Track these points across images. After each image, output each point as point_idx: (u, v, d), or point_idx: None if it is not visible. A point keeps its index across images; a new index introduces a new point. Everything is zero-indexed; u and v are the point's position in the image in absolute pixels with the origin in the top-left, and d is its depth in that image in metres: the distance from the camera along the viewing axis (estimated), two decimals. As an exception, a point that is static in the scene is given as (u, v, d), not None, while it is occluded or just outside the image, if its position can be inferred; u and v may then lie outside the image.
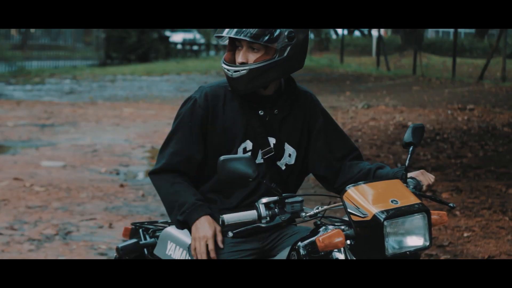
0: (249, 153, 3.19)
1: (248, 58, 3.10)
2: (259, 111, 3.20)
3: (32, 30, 29.46)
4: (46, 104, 16.93)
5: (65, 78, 24.71)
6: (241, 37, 3.07)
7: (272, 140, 3.22)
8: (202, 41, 40.99)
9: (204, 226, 3.08)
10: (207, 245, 3.07)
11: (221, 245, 3.09)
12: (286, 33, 3.08)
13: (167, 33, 37.20)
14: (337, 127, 3.34)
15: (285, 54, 3.10)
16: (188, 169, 3.21)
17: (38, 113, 15.24)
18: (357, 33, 47.63)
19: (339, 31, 41.96)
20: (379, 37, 29.00)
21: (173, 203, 3.16)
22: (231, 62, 3.15)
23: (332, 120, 3.35)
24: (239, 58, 3.11)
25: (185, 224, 3.14)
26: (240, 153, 3.17)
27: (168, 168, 3.20)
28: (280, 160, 3.24)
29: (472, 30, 38.22)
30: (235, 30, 3.08)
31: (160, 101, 18.12)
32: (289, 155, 3.25)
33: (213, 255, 3.06)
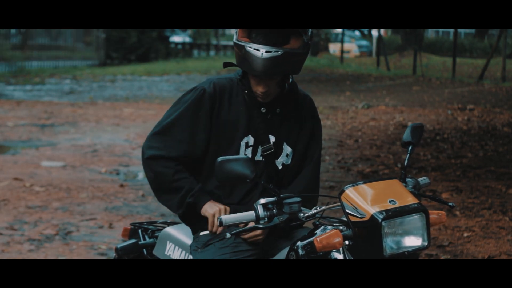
0: (250, 148, 3.21)
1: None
2: (262, 108, 3.22)
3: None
4: (46, 104, 16.92)
5: (65, 78, 24.70)
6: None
7: (272, 138, 3.24)
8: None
9: (213, 206, 3.18)
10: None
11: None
12: (309, 32, 3.10)
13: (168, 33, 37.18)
14: (319, 139, 3.36)
15: (306, 50, 3.09)
16: (189, 158, 3.21)
17: (38, 113, 15.24)
18: (357, 33, 47.63)
19: (339, 31, 41.92)
20: (379, 37, 29.02)
21: (179, 189, 3.19)
22: None
23: (319, 131, 3.36)
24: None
25: (192, 206, 3.18)
26: (242, 147, 3.20)
27: (171, 156, 3.20)
28: (278, 159, 3.26)
29: (472, 30, 38.24)
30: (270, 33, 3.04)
31: (160, 101, 18.11)
32: (287, 155, 3.28)
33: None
